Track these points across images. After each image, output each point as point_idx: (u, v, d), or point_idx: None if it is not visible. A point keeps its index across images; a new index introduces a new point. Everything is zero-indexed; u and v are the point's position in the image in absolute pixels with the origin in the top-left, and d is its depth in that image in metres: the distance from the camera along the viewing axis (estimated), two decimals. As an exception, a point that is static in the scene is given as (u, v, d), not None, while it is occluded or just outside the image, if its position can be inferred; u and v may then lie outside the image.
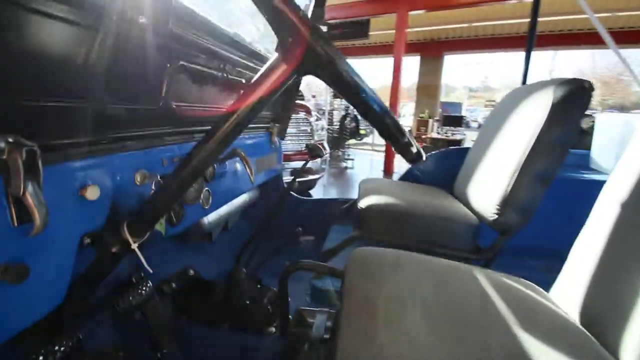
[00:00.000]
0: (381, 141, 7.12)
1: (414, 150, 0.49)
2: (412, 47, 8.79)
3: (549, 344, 0.48)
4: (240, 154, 0.89)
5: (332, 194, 4.75)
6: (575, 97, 0.97)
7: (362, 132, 9.97)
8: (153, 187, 0.63)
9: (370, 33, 6.72)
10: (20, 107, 0.42)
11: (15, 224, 0.39)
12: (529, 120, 1.02)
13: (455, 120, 7.76)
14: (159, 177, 0.64)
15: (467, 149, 1.47)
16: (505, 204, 1.01)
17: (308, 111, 3.76)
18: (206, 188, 0.85)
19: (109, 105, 0.55)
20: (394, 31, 6.03)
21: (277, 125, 1.44)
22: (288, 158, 3.55)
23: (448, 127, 7.68)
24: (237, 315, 0.88)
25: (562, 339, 0.51)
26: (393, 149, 0.49)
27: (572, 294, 0.61)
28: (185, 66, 0.71)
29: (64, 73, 0.46)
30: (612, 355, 0.48)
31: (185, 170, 0.50)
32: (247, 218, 1.56)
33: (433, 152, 1.60)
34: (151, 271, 0.57)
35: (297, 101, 4.07)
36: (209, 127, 0.48)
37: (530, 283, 0.69)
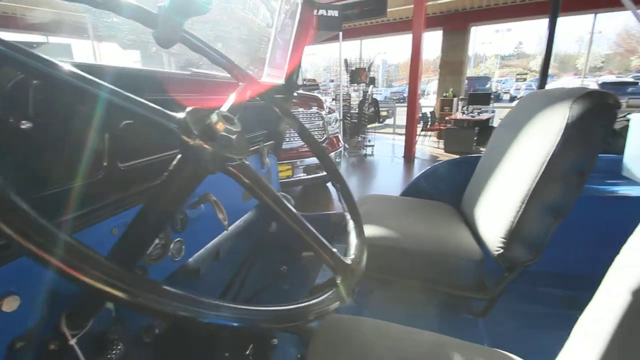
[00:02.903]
0: (402, 122, 6.84)
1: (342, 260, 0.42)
2: (434, 21, 8.23)
3: None
4: (211, 199, 0.84)
5: (352, 186, 4.66)
6: (595, 116, 0.82)
7: (383, 113, 9.67)
8: None
9: (388, 10, 6.35)
10: None
11: None
12: (541, 140, 0.88)
13: (482, 98, 7.27)
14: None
15: (478, 158, 1.34)
16: (512, 236, 0.90)
17: (320, 104, 3.64)
18: (177, 239, 0.81)
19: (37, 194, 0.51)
20: (412, 6, 5.65)
21: (267, 144, 1.37)
22: (302, 154, 3.50)
23: (475, 106, 7.22)
24: None
25: None
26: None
27: None
28: (130, 124, 0.65)
29: None
30: None
31: (124, 244, 0.44)
32: (244, 241, 1.53)
33: (440, 162, 1.47)
34: None
35: (309, 93, 3.96)
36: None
37: None
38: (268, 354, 0.92)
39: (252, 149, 1.27)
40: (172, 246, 0.79)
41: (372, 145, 6.54)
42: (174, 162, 0.39)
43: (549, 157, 0.84)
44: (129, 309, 0.28)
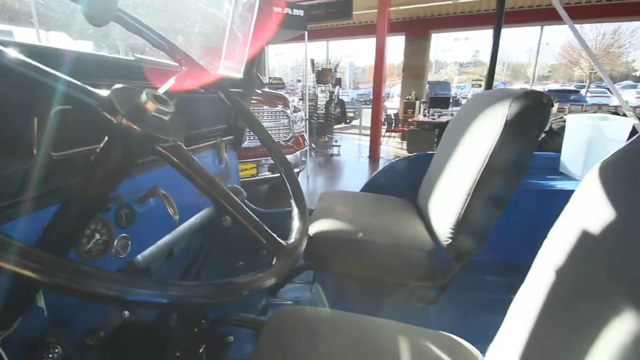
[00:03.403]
0: (368, 123, 7.00)
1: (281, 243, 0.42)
2: (397, 26, 8.51)
3: None
4: (159, 192, 0.80)
5: (318, 184, 4.68)
6: (532, 113, 0.89)
7: (350, 115, 9.83)
8: None
9: (354, 13, 6.46)
10: None
11: None
12: (484, 137, 0.94)
13: (442, 102, 7.62)
14: None
15: (432, 155, 1.39)
16: (459, 227, 0.95)
17: (285, 103, 3.62)
18: (122, 235, 0.76)
19: None
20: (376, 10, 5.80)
21: (225, 139, 1.33)
22: (267, 153, 3.45)
23: (435, 109, 7.55)
24: None
25: None
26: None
27: (507, 358, 0.56)
28: (63, 109, 0.60)
29: None
30: None
31: (49, 235, 0.40)
32: (199, 239, 1.48)
33: (398, 159, 1.52)
34: None
35: (274, 91, 3.93)
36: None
37: (467, 346, 0.63)
38: (222, 352, 0.90)
39: (208, 143, 1.23)
40: (116, 242, 0.75)
41: (339, 145, 6.62)
42: (101, 145, 0.37)
43: (491, 151, 0.89)
44: (50, 292, 0.26)
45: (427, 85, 9.27)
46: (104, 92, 0.35)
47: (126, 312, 1.00)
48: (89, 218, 0.43)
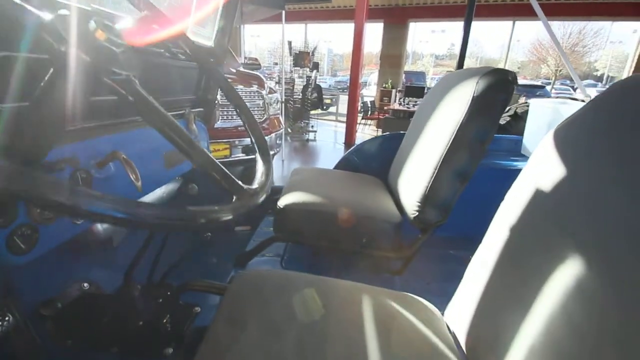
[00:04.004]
0: (345, 110, 7.02)
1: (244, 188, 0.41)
2: (376, 13, 8.47)
3: None
4: (120, 157, 0.76)
5: (293, 168, 4.65)
6: (497, 89, 0.92)
7: (327, 101, 9.77)
8: None
9: (333, -4, 6.36)
10: None
11: None
12: (452, 112, 0.97)
13: (417, 91, 7.74)
14: None
15: (403, 134, 1.42)
16: (426, 200, 0.98)
17: (261, 83, 3.53)
18: (78, 199, 0.72)
19: None
20: (356, -5, 5.73)
21: (194, 110, 1.29)
22: (240, 134, 3.38)
23: (410, 98, 7.67)
24: (128, 338, 0.80)
25: None
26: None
27: (463, 315, 0.59)
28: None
29: None
30: None
31: None
32: None
33: (371, 138, 1.53)
34: None
35: (250, 71, 3.82)
36: None
37: (427, 304, 0.66)
38: (187, 321, 0.89)
39: (175, 113, 1.18)
40: None
41: (315, 131, 6.59)
42: (45, 78, 0.34)
43: (458, 126, 0.92)
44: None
45: (404, 75, 9.38)
46: (47, 15, 0.32)
47: (85, 284, 0.96)
48: (35, 163, 0.40)
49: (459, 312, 0.61)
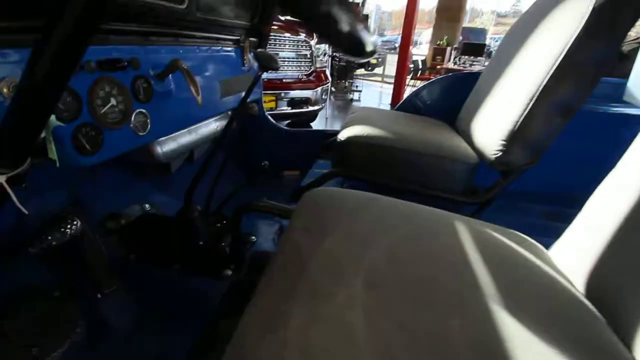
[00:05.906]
0: (392, 72, 6.57)
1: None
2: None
3: (538, 324, 0.36)
4: (181, 66, 0.71)
5: (336, 127, 4.53)
6: (625, 1, 0.72)
7: (372, 61, 9.25)
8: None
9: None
10: None
11: None
12: (558, 33, 0.79)
13: (475, 49, 7.02)
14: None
15: (478, 74, 1.24)
16: (513, 139, 0.84)
17: (309, 33, 3.34)
18: (139, 109, 0.69)
19: None
20: None
21: (251, 39, 1.20)
22: (286, 86, 3.28)
23: (467, 57, 6.99)
24: (188, 257, 0.80)
25: (557, 314, 0.39)
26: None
27: (578, 256, 0.48)
28: None
29: None
30: (621, 340, 0.36)
31: (35, 73, 0.34)
32: (222, 148, 1.41)
33: (437, 78, 1.36)
34: (26, 212, 0.45)
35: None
36: None
37: (527, 238, 0.56)
38: (246, 246, 0.87)
39: (230, 37, 1.10)
40: (134, 117, 0.67)
41: (360, 91, 6.31)
42: None
43: (568, 47, 0.75)
44: None
45: (461, 31, 8.52)
46: None
47: (147, 205, 0.98)
48: (64, 76, 0.35)
49: (573, 251, 0.50)
